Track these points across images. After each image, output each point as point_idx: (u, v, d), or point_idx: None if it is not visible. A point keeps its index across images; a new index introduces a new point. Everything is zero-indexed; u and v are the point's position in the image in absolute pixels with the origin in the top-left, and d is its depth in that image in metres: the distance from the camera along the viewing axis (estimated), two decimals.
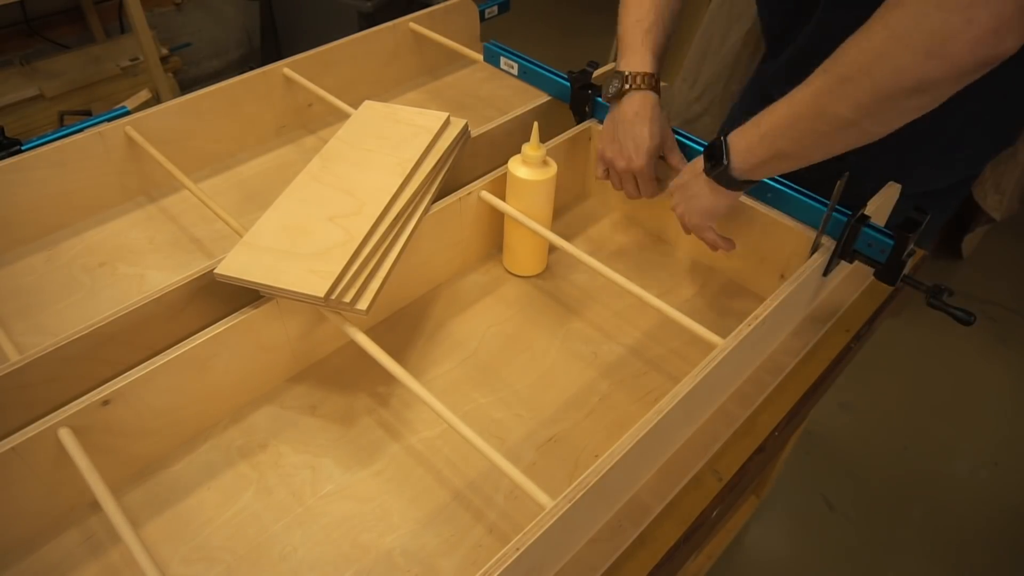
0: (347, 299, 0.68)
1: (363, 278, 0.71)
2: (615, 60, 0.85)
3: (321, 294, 0.66)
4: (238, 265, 0.69)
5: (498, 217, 0.88)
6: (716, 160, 0.69)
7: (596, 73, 1.00)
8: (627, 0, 0.83)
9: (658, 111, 0.80)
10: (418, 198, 0.80)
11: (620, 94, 0.81)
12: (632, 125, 0.80)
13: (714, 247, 0.78)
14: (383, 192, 0.77)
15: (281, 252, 0.71)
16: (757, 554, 1.47)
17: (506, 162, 0.83)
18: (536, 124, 0.82)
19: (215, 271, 0.70)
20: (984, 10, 0.48)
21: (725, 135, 0.68)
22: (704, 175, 0.72)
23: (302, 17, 2.43)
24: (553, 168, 0.83)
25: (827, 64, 0.58)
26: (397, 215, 0.76)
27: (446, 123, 0.87)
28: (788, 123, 0.62)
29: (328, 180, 0.80)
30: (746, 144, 0.67)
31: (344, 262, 0.69)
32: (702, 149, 0.84)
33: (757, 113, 0.66)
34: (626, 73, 0.80)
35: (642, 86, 0.79)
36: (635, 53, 0.80)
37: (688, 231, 0.80)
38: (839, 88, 0.57)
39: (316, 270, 0.68)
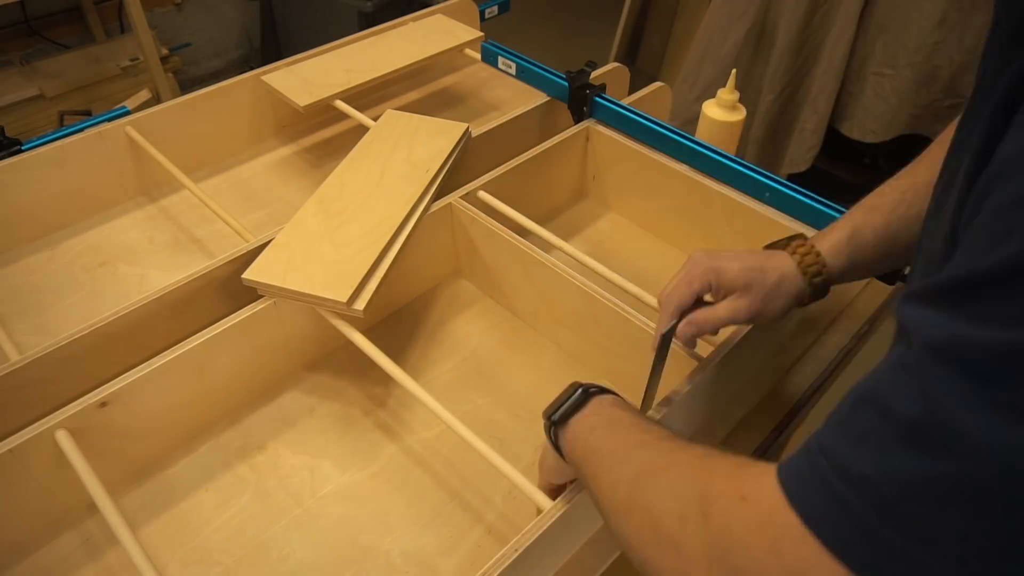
0: (344, 300, 0.68)
1: (360, 278, 0.71)
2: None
3: (344, 299, 0.68)
4: (265, 271, 0.71)
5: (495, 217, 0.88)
6: (554, 411, 0.52)
7: (594, 73, 1.00)
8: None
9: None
10: (417, 199, 0.80)
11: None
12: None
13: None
14: (402, 203, 0.78)
15: (305, 258, 0.72)
16: None
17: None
18: (734, 71, 0.91)
19: (243, 276, 0.70)
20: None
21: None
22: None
23: (302, 17, 2.43)
24: (741, 113, 0.92)
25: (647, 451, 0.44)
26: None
27: (465, 133, 0.88)
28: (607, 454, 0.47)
29: (349, 189, 0.81)
30: (572, 434, 0.51)
31: (366, 268, 0.71)
32: (702, 150, 0.84)
33: None
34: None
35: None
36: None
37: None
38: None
39: (338, 276, 0.70)
